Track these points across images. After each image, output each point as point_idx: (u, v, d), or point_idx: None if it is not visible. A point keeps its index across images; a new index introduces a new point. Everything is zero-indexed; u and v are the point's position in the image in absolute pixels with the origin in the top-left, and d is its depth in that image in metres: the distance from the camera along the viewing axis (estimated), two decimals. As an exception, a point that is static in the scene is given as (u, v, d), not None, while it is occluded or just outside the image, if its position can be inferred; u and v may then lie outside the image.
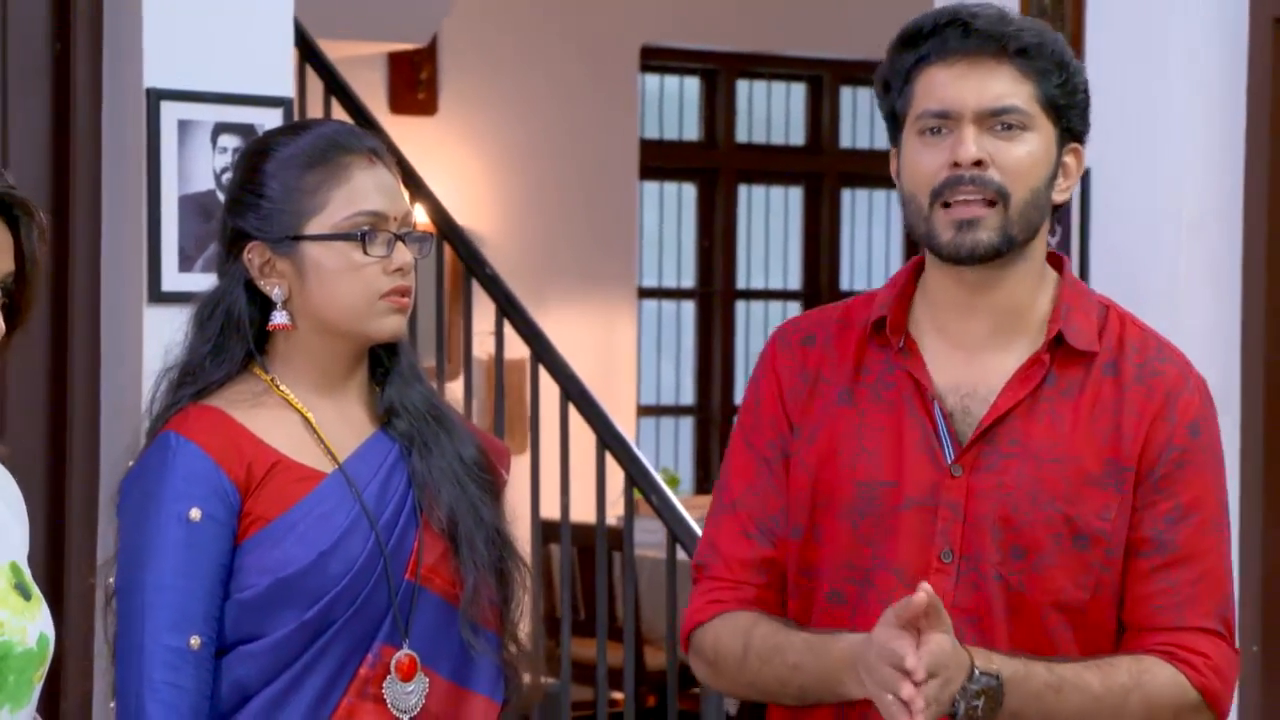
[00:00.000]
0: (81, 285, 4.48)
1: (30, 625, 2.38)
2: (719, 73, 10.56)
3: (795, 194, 10.93)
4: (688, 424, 10.62)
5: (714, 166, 10.61)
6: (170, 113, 4.31)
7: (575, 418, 5.50)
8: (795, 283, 10.91)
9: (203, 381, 2.72)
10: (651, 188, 10.49)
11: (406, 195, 2.75)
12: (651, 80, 10.44)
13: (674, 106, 10.59)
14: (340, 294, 2.68)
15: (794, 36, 10.42)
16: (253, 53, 4.43)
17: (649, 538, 8.27)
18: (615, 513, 8.79)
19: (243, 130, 4.38)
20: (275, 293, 2.71)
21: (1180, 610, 2.55)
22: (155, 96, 4.31)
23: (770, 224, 10.85)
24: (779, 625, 2.59)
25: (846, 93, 10.86)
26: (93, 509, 4.47)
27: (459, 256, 6.00)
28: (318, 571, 2.63)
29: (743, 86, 10.69)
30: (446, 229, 6.00)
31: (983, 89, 2.52)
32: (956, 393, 2.57)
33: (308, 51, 6.18)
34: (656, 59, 10.28)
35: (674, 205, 10.64)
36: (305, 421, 2.70)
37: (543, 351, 5.60)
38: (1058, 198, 2.58)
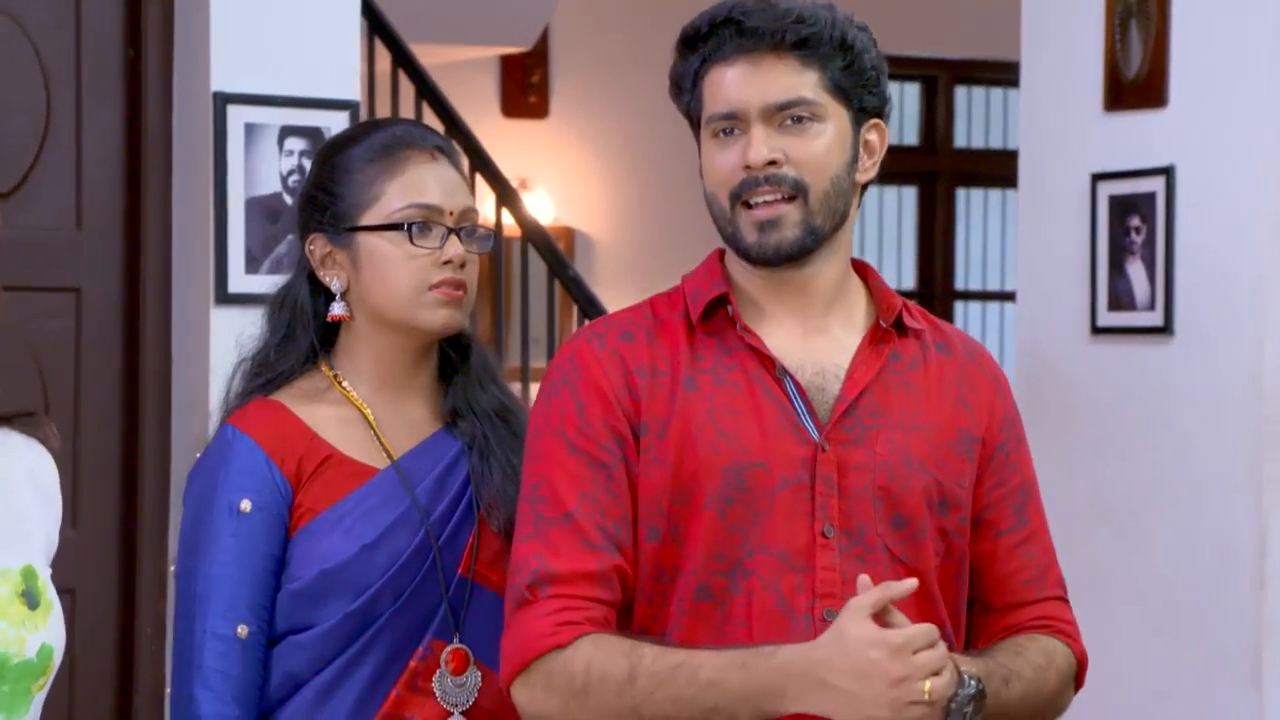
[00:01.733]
0: (152, 287, 4.55)
1: (31, 636, 2.36)
2: (937, 79, 10.70)
3: (1015, 197, 10.91)
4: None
5: (933, 170, 10.74)
6: (237, 116, 4.35)
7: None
8: (1014, 284, 10.89)
9: (271, 372, 2.79)
10: (870, 191, 10.48)
11: (470, 193, 2.80)
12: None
13: (893, 112, 10.60)
14: (390, 283, 2.73)
15: (909, 37, 10.36)
16: (319, 56, 4.47)
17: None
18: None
19: (309, 133, 4.42)
20: (334, 284, 2.77)
21: (1041, 582, 2.59)
22: (221, 100, 4.36)
23: (989, 226, 10.83)
24: (667, 644, 2.43)
25: (961, 92, 10.83)
26: (164, 502, 4.54)
27: (541, 258, 6.01)
28: (362, 564, 2.68)
29: (961, 92, 10.75)
30: (531, 231, 6.02)
31: (766, 86, 2.48)
32: (804, 371, 2.51)
33: (400, 56, 6.22)
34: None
35: (893, 208, 10.79)
36: (363, 418, 2.75)
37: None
38: (861, 178, 2.55)
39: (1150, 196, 4.97)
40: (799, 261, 2.50)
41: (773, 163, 2.47)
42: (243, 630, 2.67)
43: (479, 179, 5.99)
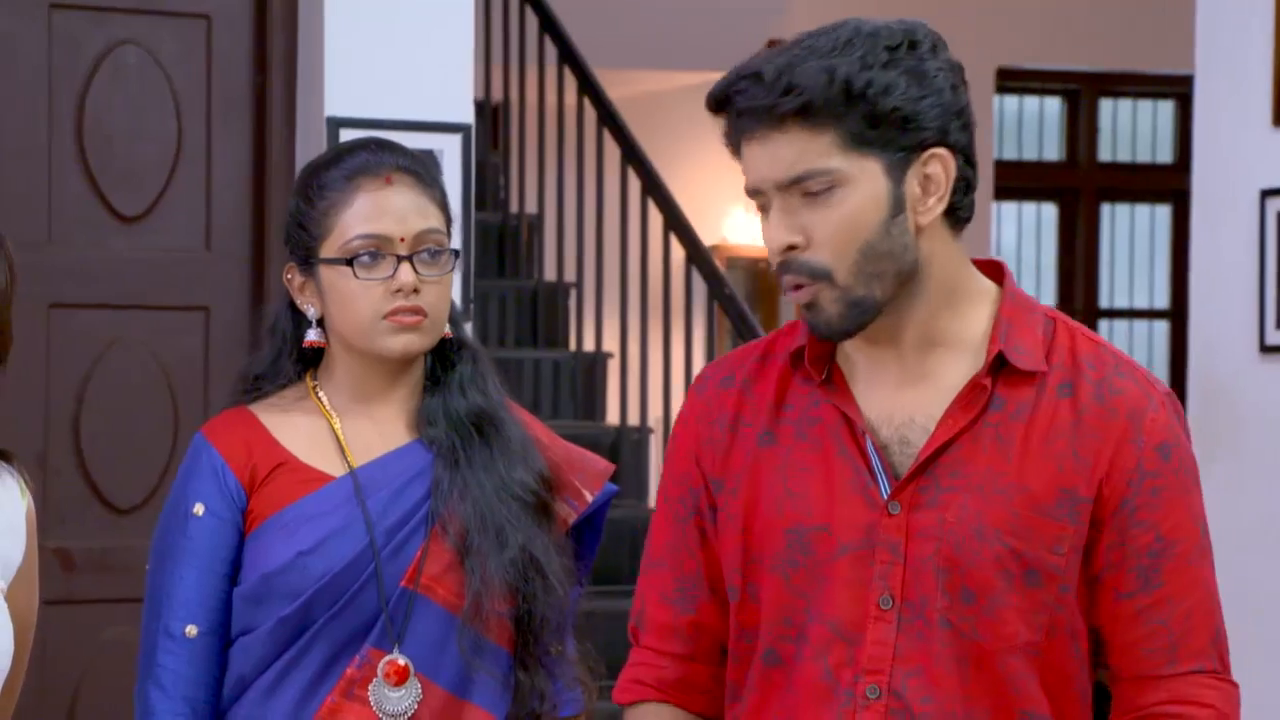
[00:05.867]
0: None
1: None
2: (1080, 92, 10.42)
3: (1162, 212, 10.69)
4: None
5: (1075, 186, 10.47)
6: (348, 140, 4.48)
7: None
8: (1162, 301, 10.67)
9: (259, 390, 2.86)
10: (1009, 208, 10.39)
11: (439, 212, 2.80)
12: (1008, 101, 10.35)
13: (1033, 126, 10.47)
14: (349, 314, 2.76)
15: (1049, 49, 10.20)
16: (431, 81, 4.57)
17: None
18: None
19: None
20: (309, 311, 2.82)
21: (1174, 652, 2.30)
22: (335, 125, 4.49)
23: (1135, 242, 10.63)
24: None
25: (1106, 104, 10.58)
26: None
27: (702, 276, 6.07)
28: (298, 569, 2.71)
29: (1105, 105, 10.52)
30: (692, 250, 6.08)
31: (774, 162, 2.25)
32: (890, 424, 2.31)
33: (585, 82, 6.32)
34: (1013, 80, 10.18)
35: (1033, 225, 10.53)
36: (331, 427, 2.80)
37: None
38: (924, 220, 2.28)
39: (1320, 212, 4.86)
40: (865, 326, 2.29)
41: (793, 247, 2.26)
42: (191, 630, 2.73)
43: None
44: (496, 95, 7.48)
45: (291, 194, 2.87)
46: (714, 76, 8.45)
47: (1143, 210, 10.68)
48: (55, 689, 4.61)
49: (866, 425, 2.31)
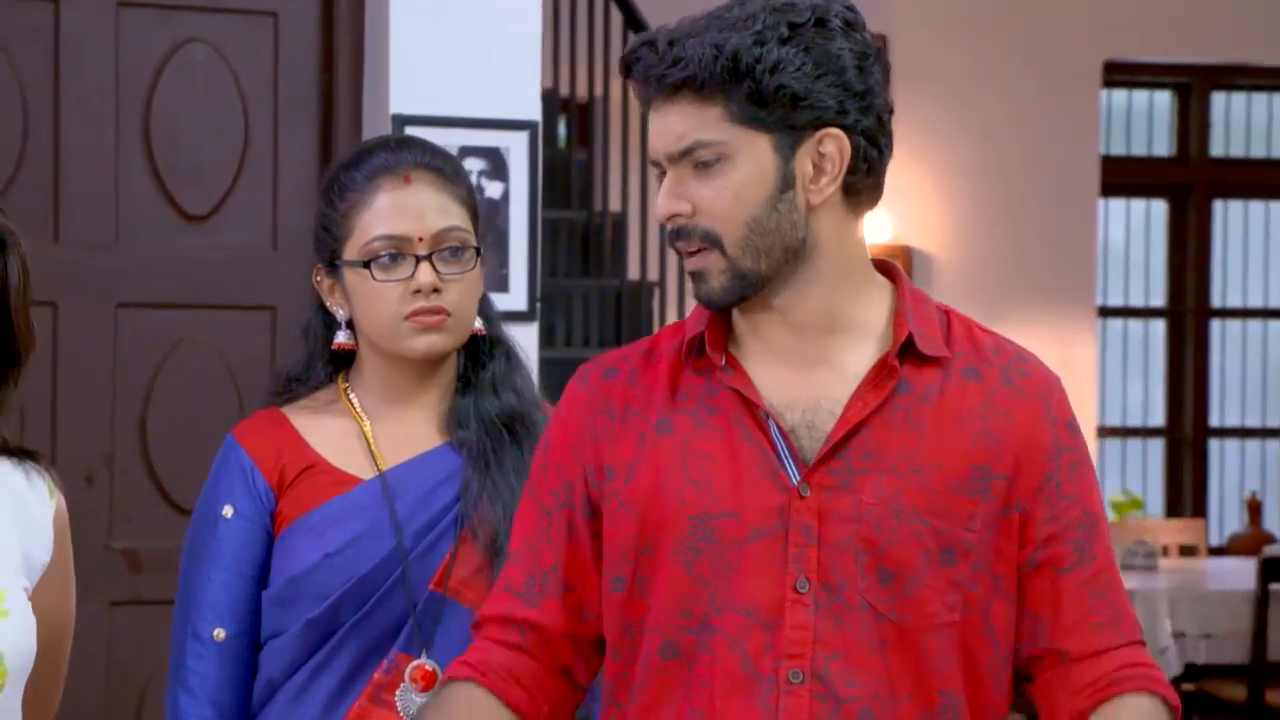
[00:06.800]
0: (344, 305, 4.67)
1: None
2: (1192, 86, 10.25)
3: (1278, 209, 10.50)
4: (1157, 445, 10.33)
5: (1186, 182, 10.30)
6: (415, 138, 4.45)
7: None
8: (1278, 300, 10.50)
9: (292, 391, 2.85)
10: (1117, 205, 10.25)
11: (462, 210, 2.78)
12: (1116, 96, 10.21)
13: (1142, 121, 10.31)
14: (372, 315, 2.76)
15: (1159, 41, 10.02)
16: (498, 78, 4.54)
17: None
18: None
19: (487, 154, 4.50)
20: (339, 313, 2.82)
21: (1118, 625, 2.34)
22: (400, 123, 4.46)
23: (1250, 240, 10.45)
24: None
25: (1218, 98, 10.42)
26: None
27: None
28: (324, 572, 2.71)
29: (1218, 99, 10.34)
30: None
31: (666, 132, 2.29)
32: (794, 409, 2.30)
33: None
34: (1121, 74, 10.04)
35: (1141, 222, 10.37)
36: (361, 430, 2.79)
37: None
38: (816, 199, 2.27)
39: None
40: (754, 303, 2.31)
41: (679, 214, 2.29)
42: (220, 633, 2.74)
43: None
44: (582, 93, 7.45)
45: (318, 196, 2.85)
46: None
47: (1257, 207, 10.48)
48: (123, 689, 4.61)
49: (770, 409, 2.30)
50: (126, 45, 4.61)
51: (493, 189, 4.52)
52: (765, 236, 2.27)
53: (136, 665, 4.57)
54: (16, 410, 2.63)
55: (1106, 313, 10.21)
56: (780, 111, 2.25)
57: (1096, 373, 9.96)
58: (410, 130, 4.42)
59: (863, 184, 2.30)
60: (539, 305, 4.54)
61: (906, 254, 9.65)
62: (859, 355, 2.32)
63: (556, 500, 2.39)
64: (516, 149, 4.48)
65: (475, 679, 2.37)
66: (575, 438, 2.38)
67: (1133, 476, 10.25)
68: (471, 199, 2.83)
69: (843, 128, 2.26)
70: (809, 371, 2.32)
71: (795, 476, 2.28)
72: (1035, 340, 9.58)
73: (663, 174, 2.32)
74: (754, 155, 2.27)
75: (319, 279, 2.83)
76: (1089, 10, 9.75)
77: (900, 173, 9.71)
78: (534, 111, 4.56)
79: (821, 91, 2.25)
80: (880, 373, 2.30)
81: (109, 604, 4.48)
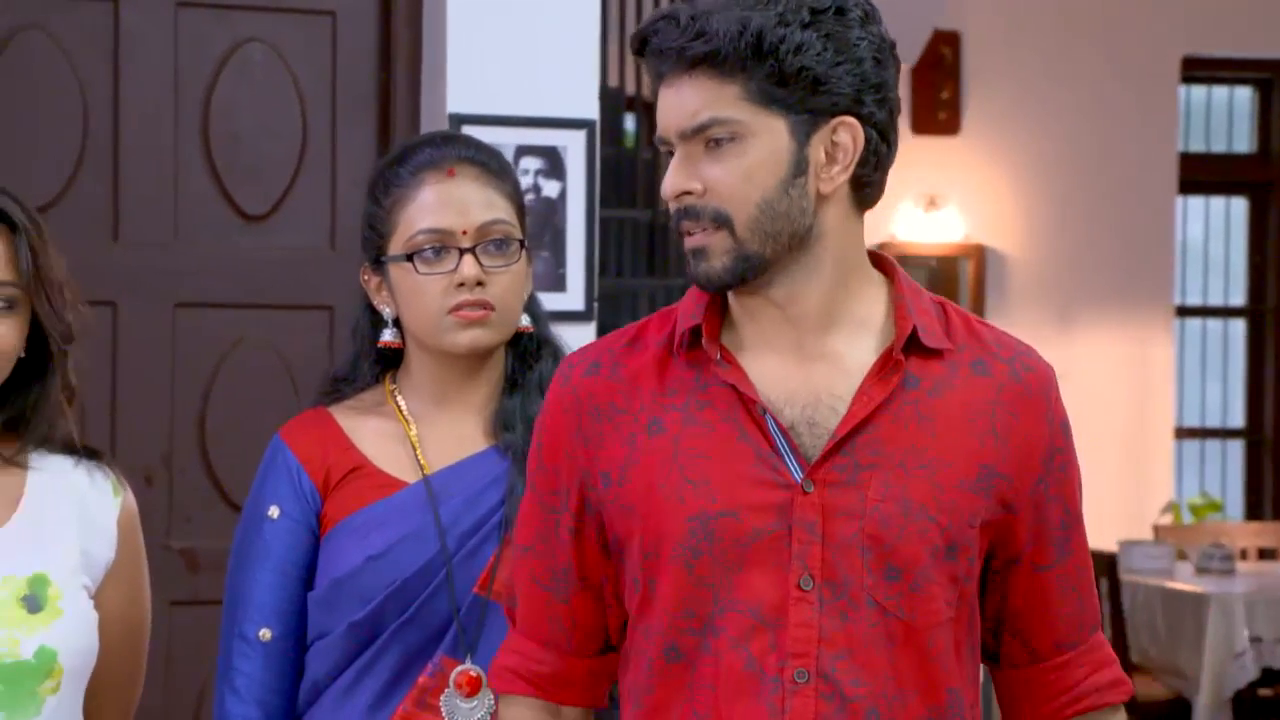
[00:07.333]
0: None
1: (27, 639, 2.49)
2: (1272, 81, 10.14)
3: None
4: (1236, 447, 10.23)
5: (1267, 179, 10.19)
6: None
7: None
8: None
9: (340, 391, 2.85)
10: (1196, 202, 10.15)
11: (505, 204, 2.77)
12: (1195, 92, 10.10)
13: (1222, 118, 10.21)
14: (416, 310, 2.76)
15: (1239, 37, 9.92)
16: (555, 76, 4.51)
17: (1151, 563, 8.02)
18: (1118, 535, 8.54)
19: (545, 153, 4.48)
20: (385, 311, 2.82)
21: (1083, 615, 2.39)
22: (457, 121, 4.44)
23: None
24: None
25: None
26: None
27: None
28: (368, 575, 2.70)
29: None
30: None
31: (679, 108, 2.24)
32: (794, 404, 2.26)
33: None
34: (1200, 69, 9.94)
35: (1221, 220, 10.26)
36: (407, 433, 2.78)
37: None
38: (827, 187, 2.26)
39: None
40: (754, 287, 2.28)
41: (688, 193, 2.26)
42: (265, 634, 2.74)
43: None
44: (649, 91, 7.41)
45: (365, 194, 2.84)
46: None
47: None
48: (182, 687, 4.63)
49: (767, 405, 2.26)
50: (185, 45, 4.62)
51: (550, 188, 4.50)
52: (775, 220, 2.24)
53: (195, 664, 4.58)
54: (77, 410, 2.65)
55: (1185, 312, 10.12)
56: (799, 94, 2.23)
57: (1174, 373, 9.87)
58: (467, 129, 4.41)
59: (870, 178, 2.28)
60: (596, 305, 4.52)
61: (980, 253, 9.59)
62: (858, 349, 2.30)
63: (558, 501, 2.37)
64: (574, 148, 4.45)
65: (534, 694, 2.40)
66: (567, 442, 2.36)
67: (1211, 478, 10.16)
68: (517, 194, 2.83)
69: (858, 117, 2.24)
70: (807, 366, 2.29)
71: (798, 473, 2.25)
72: (1111, 340, 9.51)
73: (670, 151, 2.29)
74: (770, 137, 2.24)
75: (366, 277, 2.83)
76: (1167, 4, 9.66)
77: (974, 170, 9.73)
78: (592, 110, 4.53)
79: (840, 78, 2.22)
80: (885, 367, 2.28)
81: (168, 603, 4.49)
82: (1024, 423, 2.31)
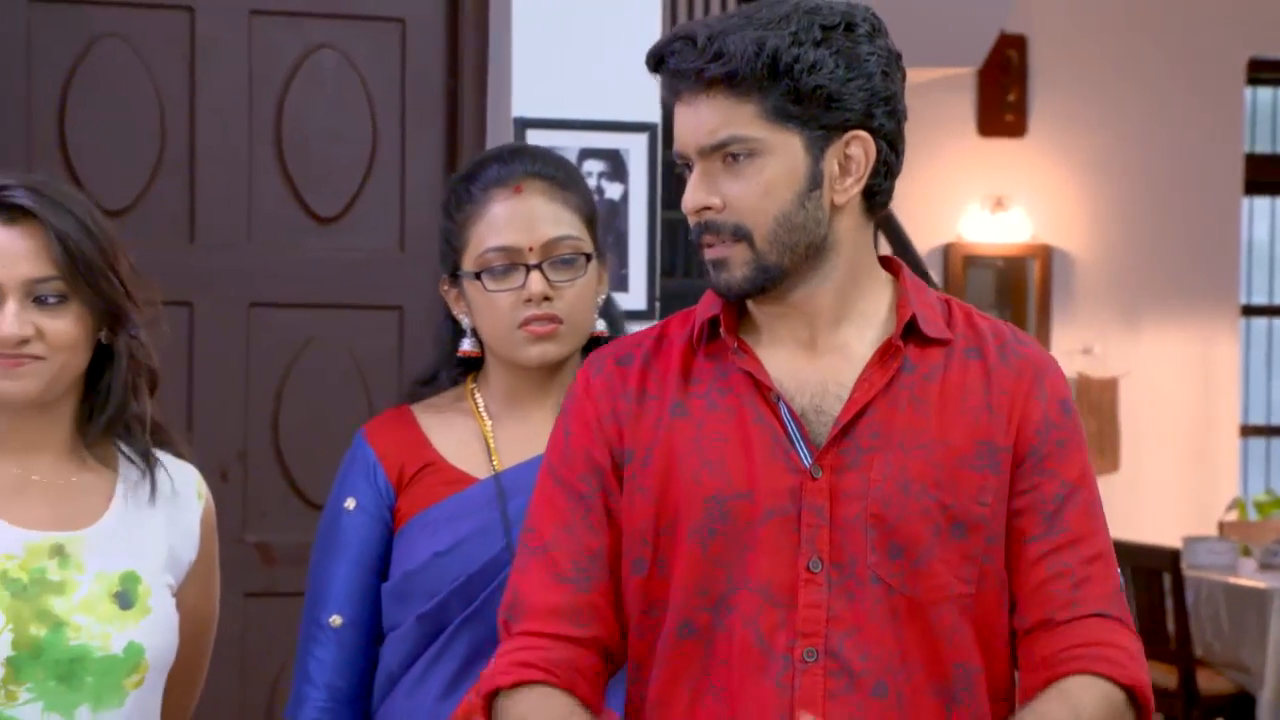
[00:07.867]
0: (469, 304, 4.76)
1: (118, 634, 2.57)
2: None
3: None
4: (1303, 445, 10.25)
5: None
6: (536, 141, 4.51)
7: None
8: None
9: (420, 394, 2.95)
10: (1261, 203, 10.16)
11: (574, 218, 2.84)
12: (1261, 93, 10.12)
13: (1287, 118, 10.24)
14: (488, 325, 2.85)
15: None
16: (618, 81, 4.58)
17: (1216, 559, 8.05)
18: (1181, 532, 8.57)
19: (607, 156, 4.57)
20: (464, 321, 2.90)
21: (1076, 593, 2.35)
22: (521, 125, 4.53)
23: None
24: None
25: None
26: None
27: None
28: (435, 569, 2.79)
29: None
30: (899, 249, 6.03)
31: (698, 126, 2.33)
32: (804, 393, 2.36)
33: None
34: (1266, 71, 9.95)
35: (1287, 220, 10.31)
36: (482, 431, 2.87)
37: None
38: (840, 199, 2.35)
39: None
40: (771, 294, 2.37)
41: (708, 208, 2.34)
42: (336, 620, 2.83)
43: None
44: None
45: (440, 209, 2.94)
46: (947, 73, 8.50)
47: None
48: (256, 679, 4.72)
49: (780, 392, 2.36)
50: (258, 52, 4.73)
51: (613, 190, 4.59)
52: (792, 232, 2.33)
53: (269, 656, 4.68)
54: (157, 401, 2.71)
55: (1250, 311, 10.13)
56: (814, 111, 2.32)
57: (1240, 372, 9.88)
58: (531, 133, 4.51)
59: (881, 186, 2.37)
60: (658, 305, 4.60)
61: (1046, 253, 9.63)
62: (863, 341, 2.39)
63: (590, 486, 2.42)
64: (636, 151, 4.54)
65: (549, 681, 2.39)
66: (597, 422, 2.42)
67: (1276, 476, 10.16)
68: (587, 204, 2.90)
69: (869, 130, 2.33)
70: (817, 358, 2.39)
71: (807, 458, 2.34)
72: (1177, 339, 9.53)
73: (687, 167, 2.37)
74: (786, 153, 2.33)
75: (445, 289, 2.91)
76: (1232, 7, 9.68)
77: (1039, 171, 9.77)
78: (654, 114, 4.61)
79: (852, 94, 2.31)
80: (885, 353, 2.37)
81: (243, 595, 4.60)
82: (1016, 399, 2.38)
